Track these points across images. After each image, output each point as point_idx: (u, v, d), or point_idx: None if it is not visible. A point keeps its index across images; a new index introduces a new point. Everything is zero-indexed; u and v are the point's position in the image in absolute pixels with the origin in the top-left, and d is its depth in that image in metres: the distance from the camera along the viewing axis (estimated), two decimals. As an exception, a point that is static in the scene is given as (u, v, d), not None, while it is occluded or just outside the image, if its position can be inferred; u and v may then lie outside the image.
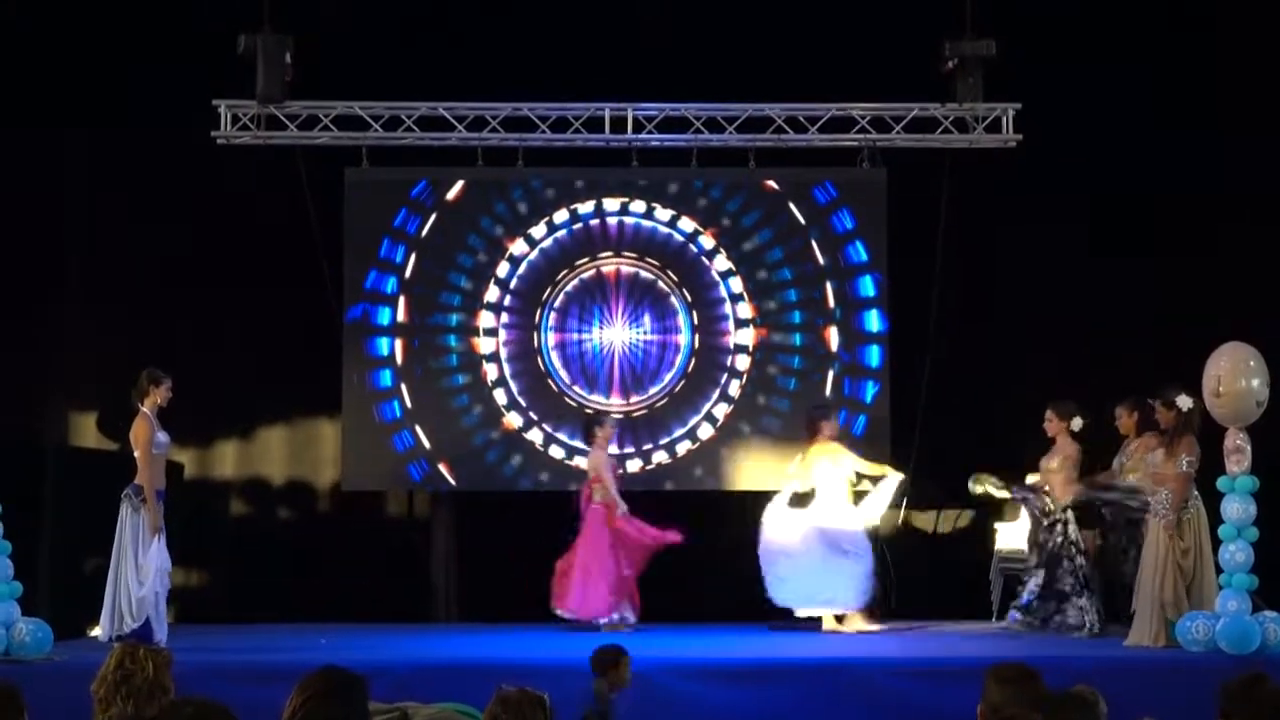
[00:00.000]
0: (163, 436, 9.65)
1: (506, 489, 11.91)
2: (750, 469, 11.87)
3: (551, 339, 11.96)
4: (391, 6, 11.65)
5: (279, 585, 11.60)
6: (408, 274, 11.90)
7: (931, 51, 11.18)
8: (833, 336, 11.99)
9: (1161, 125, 11.62)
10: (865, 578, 10.59)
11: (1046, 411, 10.53)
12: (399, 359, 11.88)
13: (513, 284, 11.98)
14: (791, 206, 12.04)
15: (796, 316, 12.03)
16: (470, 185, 11.97)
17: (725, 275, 12.02)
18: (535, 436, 11.88)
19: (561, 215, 12.02)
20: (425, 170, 11.93)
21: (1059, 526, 10.32)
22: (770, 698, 8.25)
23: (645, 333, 12.00)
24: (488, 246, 11.99)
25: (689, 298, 12.00)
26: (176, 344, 11.31)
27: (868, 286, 11.98)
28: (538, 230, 12.01)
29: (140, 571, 9.34)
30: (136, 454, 9.53)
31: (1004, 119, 11.47)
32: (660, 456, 11.79)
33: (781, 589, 10.59)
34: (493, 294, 11.97)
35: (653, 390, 11.96)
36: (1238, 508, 8.90)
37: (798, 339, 12.02)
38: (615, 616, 10.67)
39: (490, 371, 11.92)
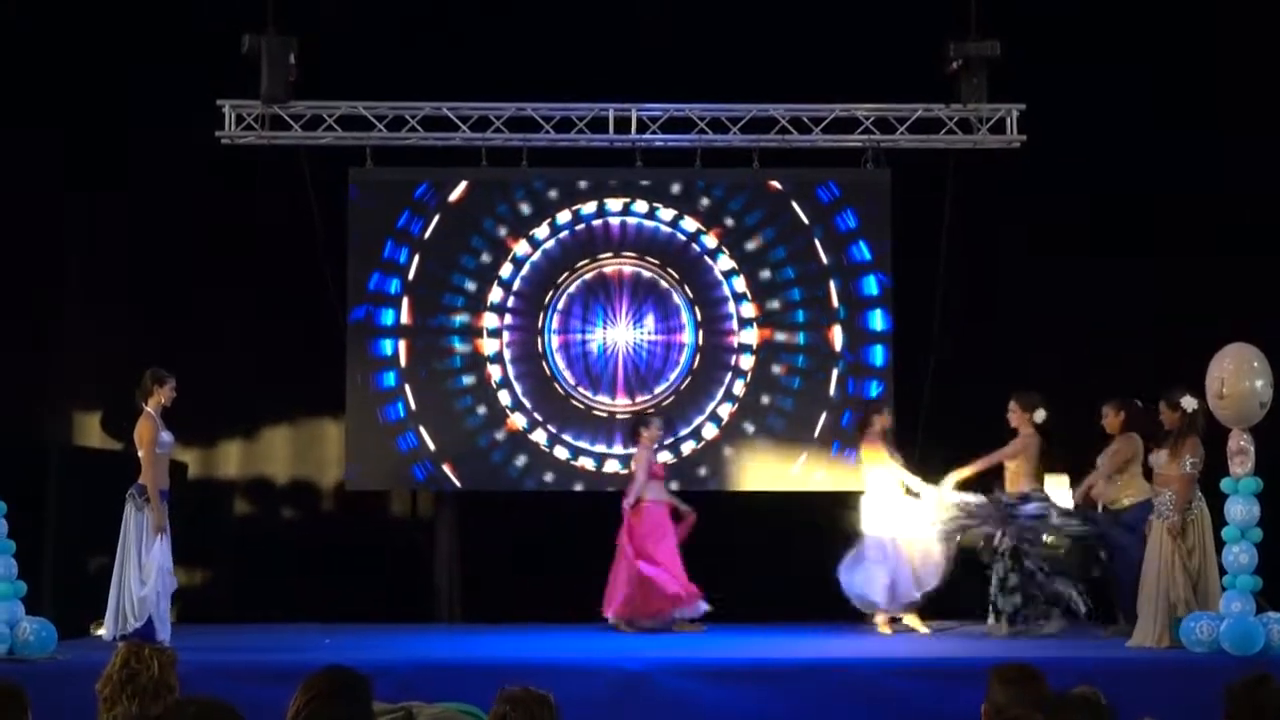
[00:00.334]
0: (167, 436, 9.66)
1: (511, 490, 11.92)
2: (754, 468, 11.88)
3: (555, 340, 11.97)
4: (395, 6, 11.65)
5: (283, 585, 11.59)
6: (411, 275, 11.90)
7: (936, 52, 11.17)
8: (836, 336, 11.99)
9: (1162, 125, 11.61)
10: (885, 581, 10.57)
11: (1010, 402, 10.54)
12: (403, 360, 11.88)
13: (516, 285, 11.98)
14: (795, 206, 12.04)
15: (800, 316, 12.02)
16: (473, 186, 11.96)
17: (729, 275, 12.02)
18: (539, 437, 11.88)
19: (564, 216, 12.02)
20: (429, 171, 11.94)
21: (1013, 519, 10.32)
22: (770, 697, 8.25)
23: (649, 333, 12.00)
24: (491, 247, 11.99)
25: (692, 297, 12.01)
26: (181, 344, 11.29)
27: (871, 286, 11.98)
28: (541, 231, 12.00)
29: (143, 571, 9.36)
30: (141, 454, 9.54)
31: (1008, 120, 11.46)
32: (664, 456, 11.78)
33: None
34: (496, 295, 11.97)
35: (658, 390, 11.96)
36: (1241, 509, 8.91)
37: (802, 338, 12.01)
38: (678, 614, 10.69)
39: (494, 373, 11.92)
